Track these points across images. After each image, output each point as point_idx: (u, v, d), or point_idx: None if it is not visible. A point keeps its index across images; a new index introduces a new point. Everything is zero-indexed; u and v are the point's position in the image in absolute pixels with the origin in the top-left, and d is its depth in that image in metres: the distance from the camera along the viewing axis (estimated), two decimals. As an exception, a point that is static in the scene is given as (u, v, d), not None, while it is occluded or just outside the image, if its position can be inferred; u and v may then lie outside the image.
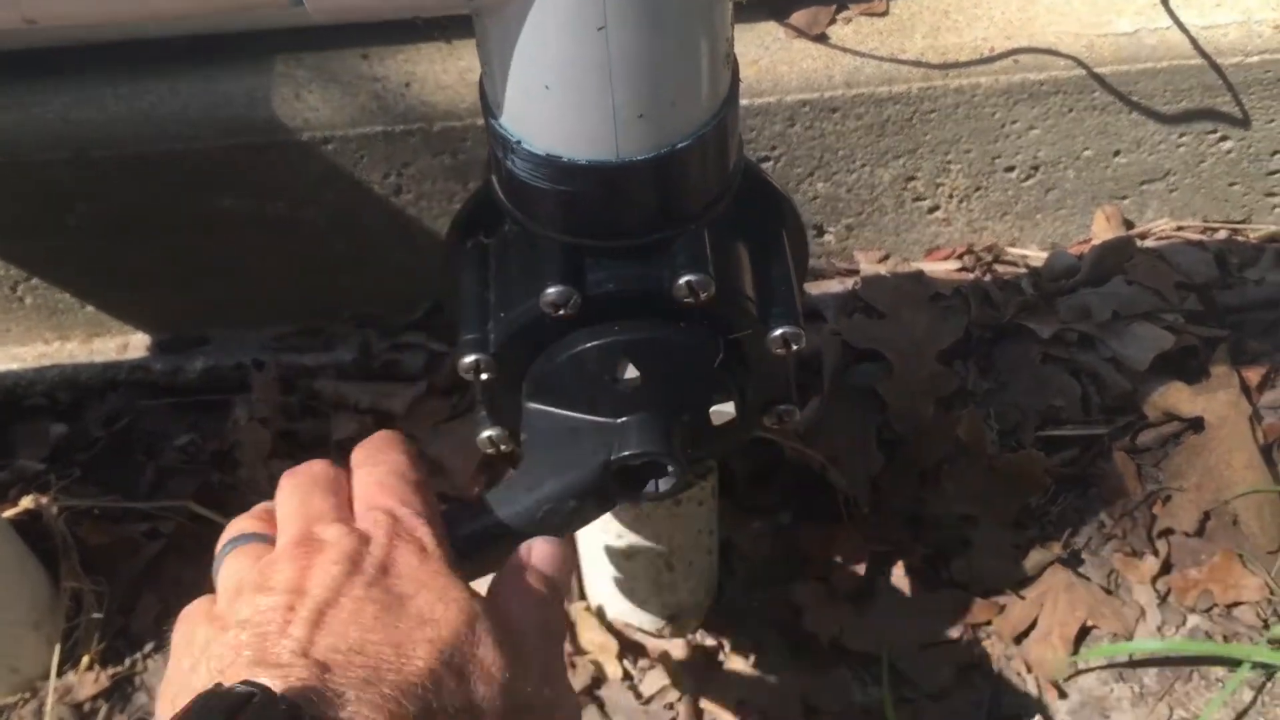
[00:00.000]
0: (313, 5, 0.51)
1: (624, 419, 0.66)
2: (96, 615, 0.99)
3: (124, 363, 1.14)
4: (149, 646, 1.02)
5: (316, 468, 0.62)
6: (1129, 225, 1.13)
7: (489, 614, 0.53)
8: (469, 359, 0.64)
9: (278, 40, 1.01)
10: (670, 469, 0.64)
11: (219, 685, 0.43)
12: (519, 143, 0.59)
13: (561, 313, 0.61)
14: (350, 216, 1.04)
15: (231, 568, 0.58)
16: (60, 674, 0.98)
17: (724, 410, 0.67)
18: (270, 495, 1.04)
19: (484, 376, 0.65)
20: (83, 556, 1.01)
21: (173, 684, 0.51)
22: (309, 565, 0.53)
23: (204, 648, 0.50)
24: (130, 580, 1.03)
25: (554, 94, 0.55)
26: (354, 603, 0.50)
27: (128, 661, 1.01)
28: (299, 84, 0.98)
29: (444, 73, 0.99)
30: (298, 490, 0.61)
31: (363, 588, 0.51)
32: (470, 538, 0.63)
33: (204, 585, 1.04)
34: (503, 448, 0.71)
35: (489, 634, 0.52)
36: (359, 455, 0.63)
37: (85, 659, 0.99)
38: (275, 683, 0.44)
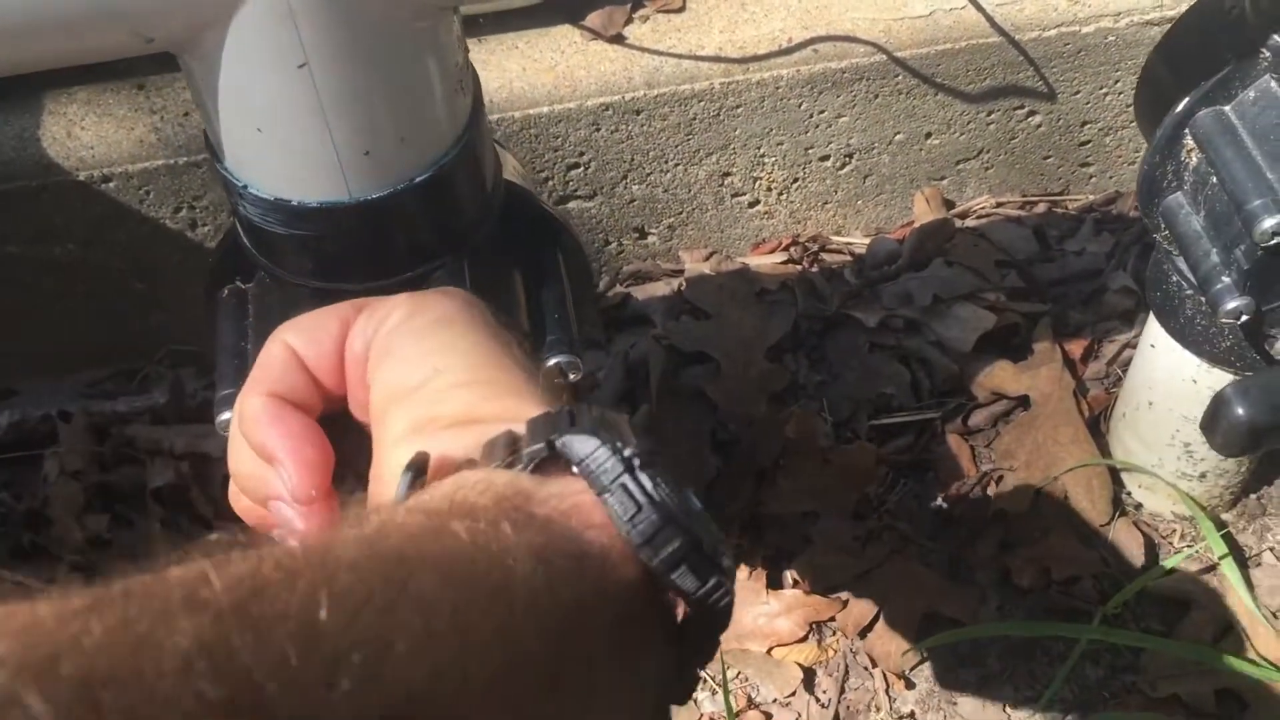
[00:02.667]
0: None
1: None
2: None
3: (-78, 424, 1.07)
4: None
5: None
6: (950, 205, 1.12)
7: None
8: (225, 416, 0.61)
9: (48, 76, 0.95)
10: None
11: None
12: (245, 187, 0.55)
13: (315, 362, 0.58)
14: (146, 255, 0.99)
15: None
16: None
17: None
18: (81, 550, 1.00)
19: (244, 434, 0.61)
20: (-117, 637, 0.95)
21: None
22: None
23: None
24: (-63, 658, 0.97)
25: (268, 136, 0.52)
26: None
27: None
28: (71, 121, 0.93)
29: (228, 99, 0.95)
30: None
31: None
32: None
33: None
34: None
35: None
36: None
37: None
38: None
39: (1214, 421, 0.69)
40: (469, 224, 0.60)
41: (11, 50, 0.46)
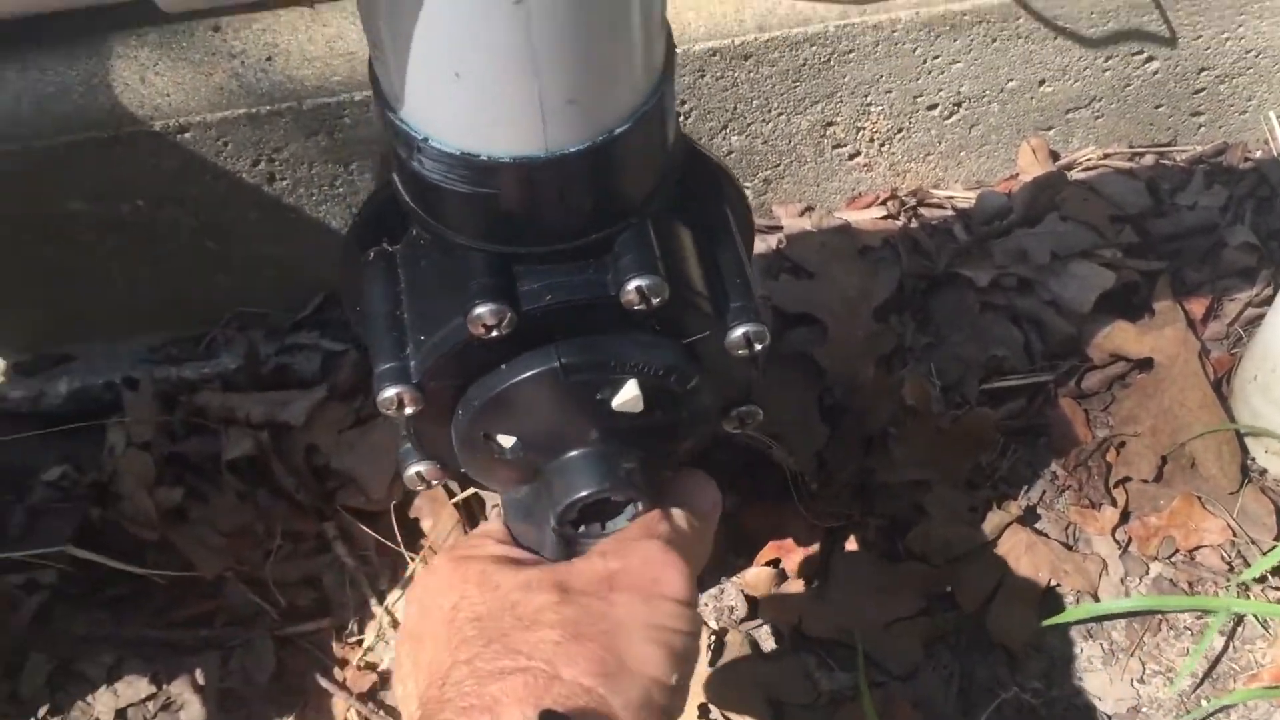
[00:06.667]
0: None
1: (566, 456, 0.58)
2: (-24, 686, 0.88)
3: (-25, 392, 1.01)
4: (43, 710, 0.91)
5: None
6: (1055, 156, 1.07)
7: None
8: (390, 393, 0.55)
9: (115, 16, 0.88)
10: (638, 505, 0.57)
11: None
12: (426, 140, 0.49)
13: (494, 333, 0.52)
14: (220, 212, 0.93)
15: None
16: (-61, 755, 0.87)
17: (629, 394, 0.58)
18: (154, 525, 0.94)
19: (408, 410, 0.56)
20: (-46, 618, 0.90)
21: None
22: None
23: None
24: (13, 641, 0.92)
25: (466, 83, 0.46)
26: None
27: (17, 730, 0.90)
28: (143, 66, 0.86)
29: (310, 43, 0.88)
30: None
31: None
32: None
33: (101, 636, 0.94)
34: (433, 482, 0.63)
35: None
36: None
37: (-33, 733, 0.88)
38: None
39: None
40: (658, 181, 0.55)
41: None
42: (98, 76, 0.86)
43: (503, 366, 0.55)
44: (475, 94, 0.47)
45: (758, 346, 0.58)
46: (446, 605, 0.57)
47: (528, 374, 0.54)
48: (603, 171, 0.51)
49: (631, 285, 0.52)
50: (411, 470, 0.62)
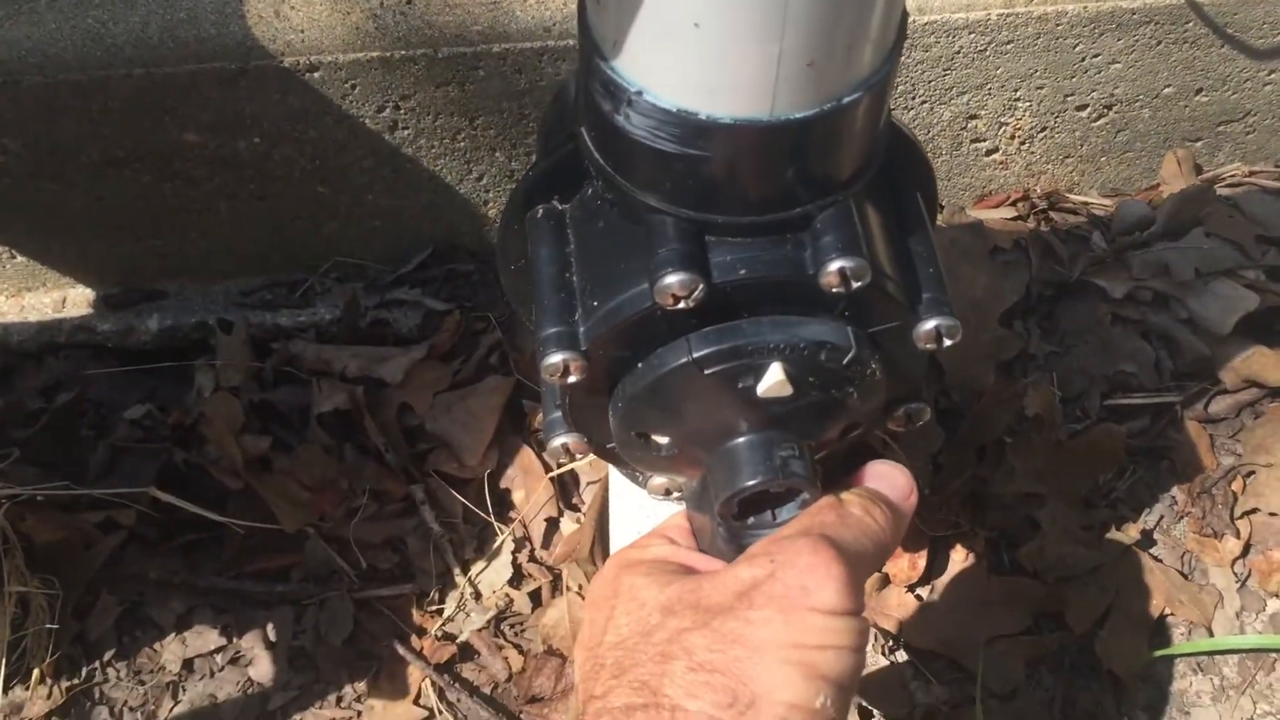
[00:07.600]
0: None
1: (721, 447, 0.54)
2: (49, 625, 0.85)
3: (64, 321, 0.98)
4: (109, 654, 0.89)
5: None
6: (1198, 169, 1.03)
7: None
8: (555, 359, 0.52)
9: (249, -56, 0.85)
10: (806, 495, 0.53)
11: None
12: (639, 94, 0.46)
13: (680, 305, 0.49)
14: (336, 156, 0.90)
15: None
16: (7, 690, 0.84)
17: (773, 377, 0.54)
18: (241, 476, 0.91)
19: (572, 379, 0.52)
20: (28, 554, 0.87)
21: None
22: None
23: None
24: (85, 580, 0.89)
25: (705, 34, 0.42)
26: None
27: (85, 672, 0.88)
28: (279, -1, 0.83)
29: (451, -12, 0.84)
30: None
31: None
32: None
33: (173, 582, 0.92)
34: (578, 456, 0.59)
35: None
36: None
37: (36, 672, 0.86)
38: None
39: None
40: (868, 158, 0.51)
41: None
42: (231, 6, 0.82)
43: (639, 365, 0.51)
44: (710, 48, 0.43)
45: (947, 342, 0.54)
46: (599, 621, 0.53)
47: (664, 370, 0.51)
48: (822, 142, 0.47)
49: (834, 266, 0.48)
50: (557, 442, 0.58)
